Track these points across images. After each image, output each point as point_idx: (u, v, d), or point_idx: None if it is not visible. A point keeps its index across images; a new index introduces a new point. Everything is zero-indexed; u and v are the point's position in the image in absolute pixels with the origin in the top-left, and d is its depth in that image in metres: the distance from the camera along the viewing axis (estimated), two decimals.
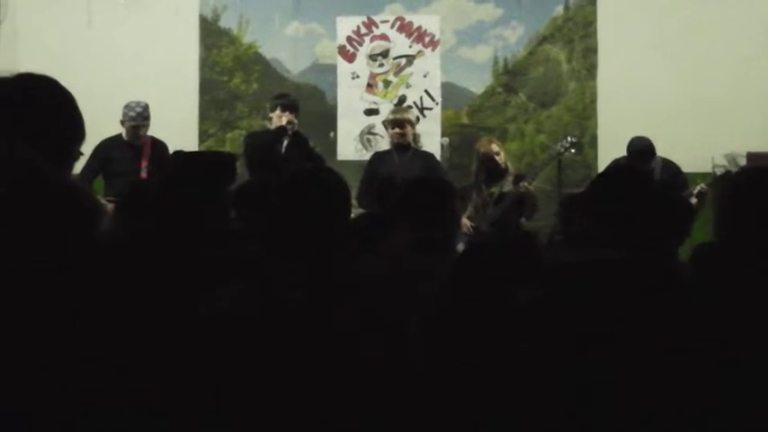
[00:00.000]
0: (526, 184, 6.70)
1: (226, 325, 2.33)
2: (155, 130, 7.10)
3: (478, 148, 7.00)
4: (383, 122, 7.78)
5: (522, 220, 6.76)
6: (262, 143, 6.62)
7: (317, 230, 2.48)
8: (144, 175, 6.84)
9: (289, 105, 6.71)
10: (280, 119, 6.63)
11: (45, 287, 1.77)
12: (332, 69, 8.72)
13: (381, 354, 2.37)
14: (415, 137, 6.92)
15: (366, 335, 2.36)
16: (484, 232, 6.56)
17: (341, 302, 2.37)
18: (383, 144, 7.99)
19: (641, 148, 6.80)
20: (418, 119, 7.76)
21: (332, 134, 8.65)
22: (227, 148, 8.37)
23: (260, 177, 6.09)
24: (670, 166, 6.97)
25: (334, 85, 8.71)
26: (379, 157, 7.04)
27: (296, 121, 6.63)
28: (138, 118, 6.87)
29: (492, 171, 6.80)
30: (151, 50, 8.56)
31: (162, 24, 8.65)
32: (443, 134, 8.43)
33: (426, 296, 2.69)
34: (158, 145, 7.04)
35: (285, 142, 6.66)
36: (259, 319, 2.39)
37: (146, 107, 6.94)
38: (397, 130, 6.82)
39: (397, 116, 6.94)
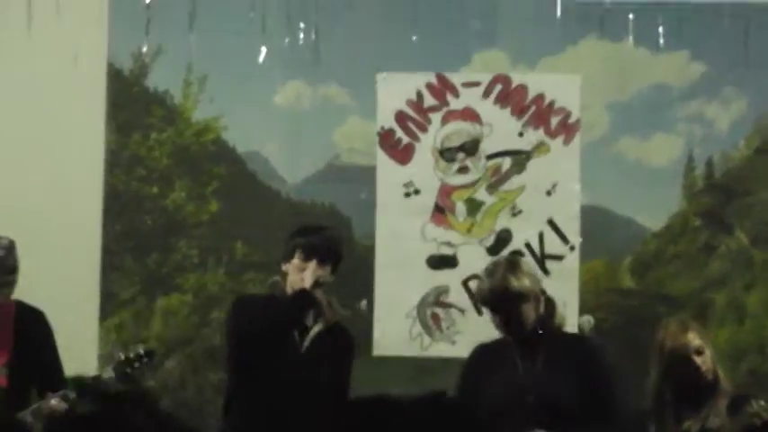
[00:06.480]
0: (759, 409, 5.04)
1: None
2: (20, 292, 5.59)
3: (663, 339, 5.36)
4: (465, 285, 5.97)
5: None
6: (263, 325, 4.94)
7: None
8: (2, 380, 5.32)
9: (317, 248, 5.21)
10: (299, 273, 5.08)
11: None
12: (365, 176, 6.36)
13: None
14: (553, 314, 5.09)
15: None
16: None
17: None
18: (463, 325, 6.08)
19: None
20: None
21: (364, 302, 6.39)
22: (157, 328, 6.11)
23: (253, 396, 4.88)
24: None
25: (369, 206, 6.30)
26: (483, 354, 5.29)
27: (330, 278, 5.13)
28: None
29: (690, 385, 5.24)
30: (19, 136, 6.25)
31: (43, 84, 6.28)
32: (584, 308, 6.15)
33: None
34: (27, 317, 5.56)
35: (311, 326, 5.06)
36: None
37: (9, 248, 5.47)
38: (494, 313, 4.98)
39: (496, 284, 4.98)
